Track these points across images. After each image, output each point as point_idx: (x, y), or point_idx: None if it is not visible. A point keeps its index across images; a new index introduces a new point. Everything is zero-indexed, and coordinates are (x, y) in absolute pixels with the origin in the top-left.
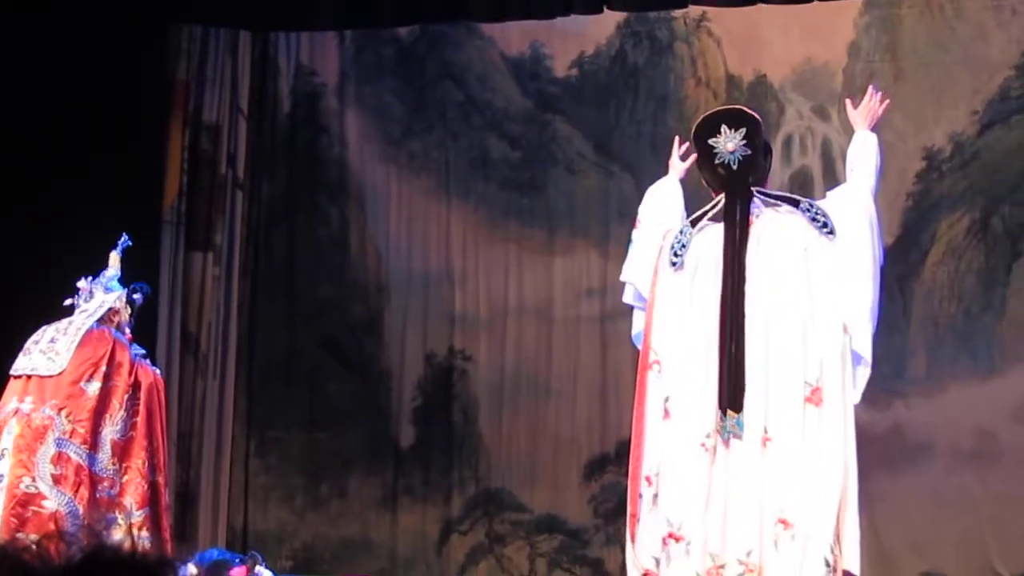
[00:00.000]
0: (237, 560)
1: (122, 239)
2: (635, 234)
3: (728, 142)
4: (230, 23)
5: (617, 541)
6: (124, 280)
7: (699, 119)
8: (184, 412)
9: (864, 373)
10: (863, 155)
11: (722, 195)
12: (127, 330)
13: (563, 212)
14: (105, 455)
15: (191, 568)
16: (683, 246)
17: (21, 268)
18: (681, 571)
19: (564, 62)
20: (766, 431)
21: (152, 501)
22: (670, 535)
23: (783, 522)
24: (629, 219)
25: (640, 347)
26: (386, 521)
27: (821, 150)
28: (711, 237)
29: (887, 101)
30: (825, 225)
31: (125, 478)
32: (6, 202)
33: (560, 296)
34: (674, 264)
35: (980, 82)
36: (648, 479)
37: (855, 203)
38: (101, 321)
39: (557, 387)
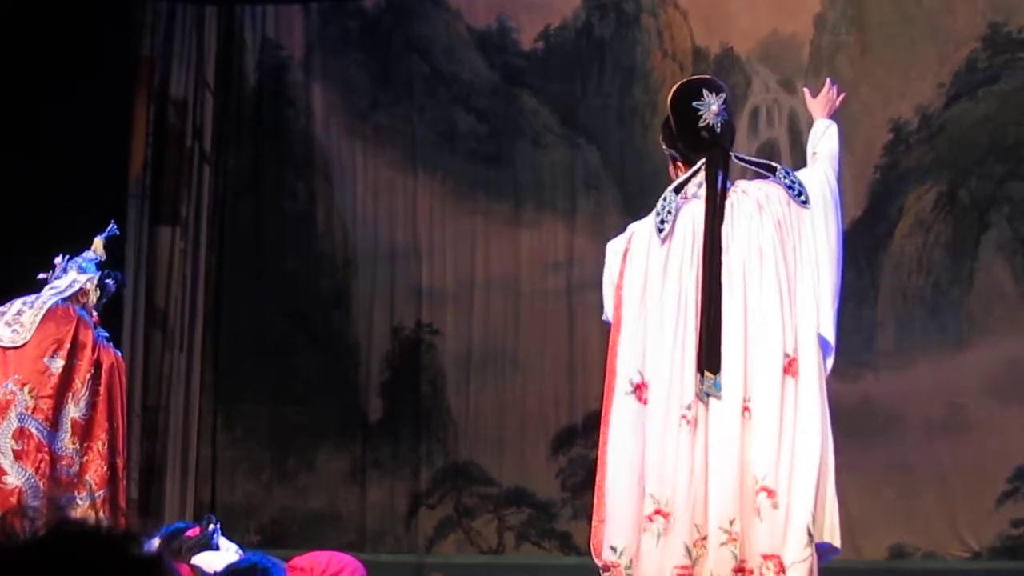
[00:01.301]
0: (193, 527)
1: (110, 226)
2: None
3: (712, 104)
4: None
5: (584, 515)
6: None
7: (678, 85)
8: (151, 386)
9: (830, 360)
10: (824, 142)
11: (702, 160)
12: (94, 313)
13: (530, 185)
14: (66, 434)
15: (156, 543)
16: (669, 213)
17: None
18: (668, 545)
19: (530, 35)
20: (746, 399)
21: (111, 482)
22: (656, 511)
23: (765, 490)
24: (595, 192)
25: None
26: (354, 495)
27: (788, 123)
28: (695, 209)
29: (844, 94)
30: (800, 194)
31: (85, 458)
32: None
33: (527, 269)
34: (660, 231)
35: (946, 54)
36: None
37: (823, 183)
38: (68, 300)
39: (524, 360)
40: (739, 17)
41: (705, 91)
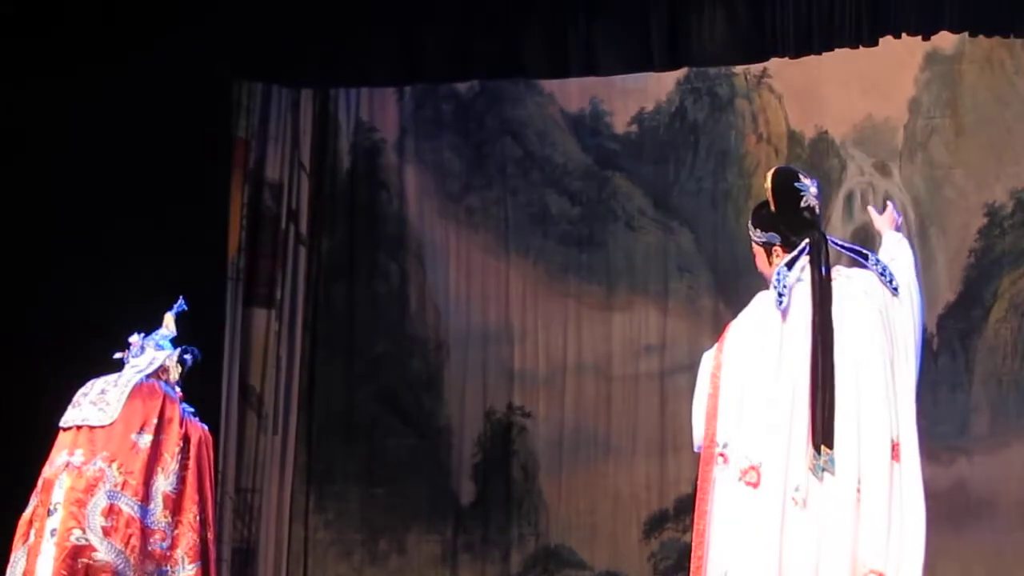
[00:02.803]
0: None
1: (178, 302)
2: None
3: (811, 186)
4: (291, 79)
5: None
6: (186, 337)
7: (775, 169)
8: (245, 467)
9: None
10: (900, 250)
11: (805, 241)
12: (177, 388)
13: (622, 268)
14: (157, 507)
15: None
16: (785, 287)
17: (83, 322)
18: None
19: (624, 118)
20: (859, 481)
21: (203, 555)
22: None
23: (877, 573)
24: (688, 275)
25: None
26: None
27: (882, 207)
28: (801, 290)
29: (901, 216)
30: (892, 281)
31: (176, 531)
32: (72, 255)
33: (619, 352)
34: (780, 303)
35: None
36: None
37: (910, 273)
38: (150, 376)
39: (616, 443)
40: (834, 101)
41: (801, 175)
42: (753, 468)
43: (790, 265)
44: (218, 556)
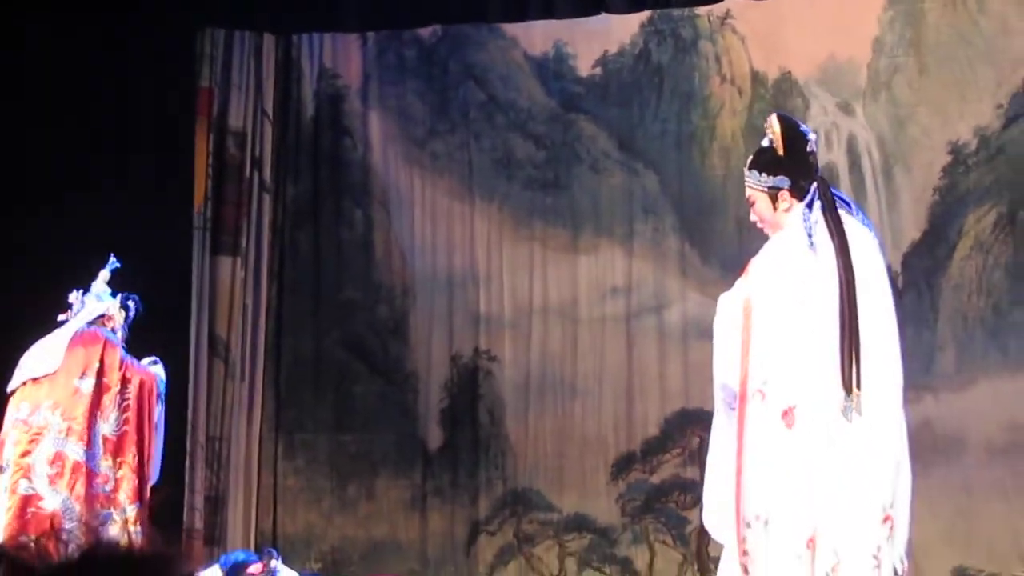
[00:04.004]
0: (255, 558)
1: (110, 261)
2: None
3: (811, 132)
4: (254, 26)
5: (644, 539)
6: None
7: (777, 114)
8: (213, 416)
9: None
10: None
11: (813, 185)
12: (119, 334)
13: (587, 211)
14: (99, 451)
15: (216, 571)
16: (811, 230)
17: (45, 275)
18: None
19: (588, 61)
20: (880, 423)
21: (141, 496)
22: (810, 540)
23: (890, 519)
24: (653, 217)
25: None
26: (414, 523)
27: (847, 146)
28: (820, 233)
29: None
30: (872, 229)
31: (119, 473)
32: (37, 206)
33: (585, 295)
34: (811, 243)
35: (1004, 76)
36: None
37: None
38: (92, 324)
39: (583, 386)
40: (797, 41)
41: (799, 122)
42: (790, 409)
43: (810, 207)
44: (189, 504)
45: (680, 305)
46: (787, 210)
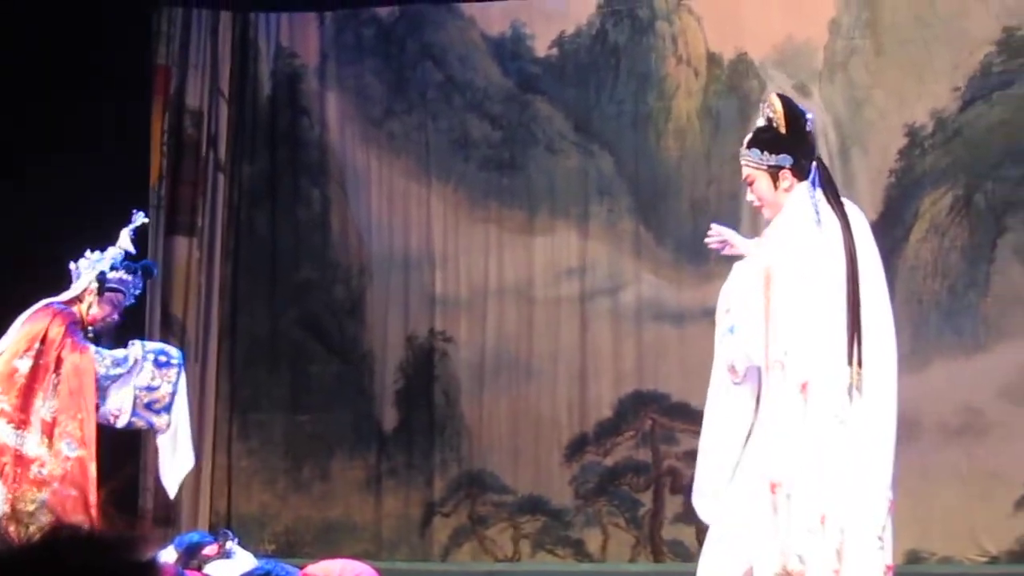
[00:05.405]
0: (211, 539)
1: (135, 215)
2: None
3: (809, 112)
4: (211, 5)
5: (597, 522)
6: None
7: (777, 93)
8: None
9: None
10: None
11: (813, 165)
12: (94, 306)
13: (543, 192)
14: (36, 434)
15: (171, 552)
16: (819, 201)
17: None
18: (822, 554)
19: (545, 42)
20: (883, 402)
21: (82, 479)
22: (823, 517)
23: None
24: (609, 198)
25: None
26: (369, 504)
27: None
28: (826, 211)
29: None
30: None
31: (53, 457)
32: None
33: (540, 276)
34: (819, 220)
35: (961, 58)
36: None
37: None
38: (70, 302)
39: (537, 367)
40: (753, 22)
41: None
42: (806, 383)
43: (814, 185)
44: (142, 485)
45: (635, 286)
46: (787, 189)
